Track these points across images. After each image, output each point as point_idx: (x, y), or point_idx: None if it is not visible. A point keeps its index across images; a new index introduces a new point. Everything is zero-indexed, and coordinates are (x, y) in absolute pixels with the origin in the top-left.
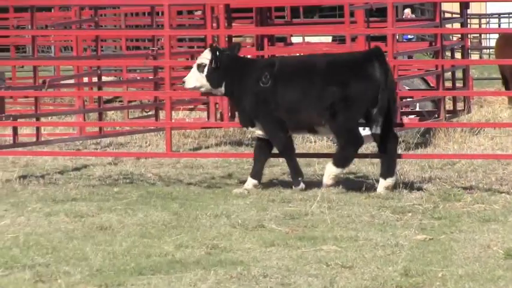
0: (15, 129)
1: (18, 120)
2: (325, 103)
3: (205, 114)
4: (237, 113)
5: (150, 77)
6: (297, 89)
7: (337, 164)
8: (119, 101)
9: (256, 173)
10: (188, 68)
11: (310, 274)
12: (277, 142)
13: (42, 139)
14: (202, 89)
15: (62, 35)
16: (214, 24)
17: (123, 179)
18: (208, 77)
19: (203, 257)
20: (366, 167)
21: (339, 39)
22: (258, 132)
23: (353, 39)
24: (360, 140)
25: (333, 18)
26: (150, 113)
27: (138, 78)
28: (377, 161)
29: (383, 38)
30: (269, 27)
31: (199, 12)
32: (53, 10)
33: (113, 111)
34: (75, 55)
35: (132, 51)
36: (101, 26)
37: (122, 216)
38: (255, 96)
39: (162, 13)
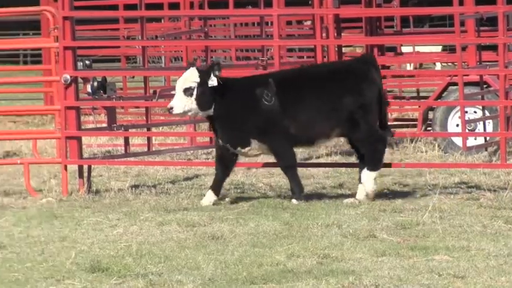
0: (126, 140)
1: (130, 130)
2: (343, 113)
3: None
4: (220, 134)
5: None
6: (309, 102)
7: (373, 168)
8: None
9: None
10: None
11: (422, 284)
12: (285, 158)
13: (154, 149)
14: (190, 113)
15: (172, 46)
16: (324, 34)
17: (234, 188)
18: (198, 101)
19: (314, 267)
20: (478, 177)
21: (449, 49)
22: (252, 152)
23: (463, 49)
24: (383, 137)
25: (443, 27)
26: None
27: None
28: (489, 170)
29: (494, 48)
30: (379, 37)
31: (308, 22)
32: (163, 21)
33: None
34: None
35: (242, 62)
36: (211, 36)
37: (233, 226)
38: (259, 114)
39: (272, 23)
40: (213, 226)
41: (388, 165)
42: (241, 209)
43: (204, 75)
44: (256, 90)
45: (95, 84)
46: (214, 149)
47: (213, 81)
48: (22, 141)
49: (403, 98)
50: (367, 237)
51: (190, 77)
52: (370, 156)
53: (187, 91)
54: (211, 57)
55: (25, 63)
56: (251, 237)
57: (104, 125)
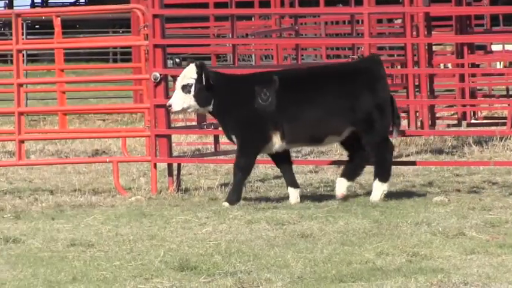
0: (216, 138)
1: (219, 128)
2: (360, 113)
3: (405, 122)
4: (222, 129)
5: None
6: (312, 104)
7: (384, 179)
8: None
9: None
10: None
11: (511, 282)
12: (244, 159)
13: None
14: (189, 110)
15: (262, 44)
16: (414, 33)
17: (324, 186)
18: (197, 97)
19: (404, 265)
20: None
21: None
22: None
23: None
24: (392, 147)
25: None
26: None
27: None
28: None
29: None
30: (469, 35)
31: (399, 21)
32: (253, 19)
33: None
34: (275, 63)
35: (333, 60)
36: (301, 35)
37: (322, 224)
38: (248, 112)
39: (362, 21)
40: (302, 224)
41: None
42: (330, 207)
43: (203, 71)
44: (254, 88)
45: None
46: (304, 147)
47: (191, 80)
48: (111, 140)
49: (493, 96)
50: (456, 235)
51: (189, 74)
52: (379, 167)
53: (186, 88)
54: (302, 55)
55: (115, 61)
56: (340, 235)
57: (194, 123)
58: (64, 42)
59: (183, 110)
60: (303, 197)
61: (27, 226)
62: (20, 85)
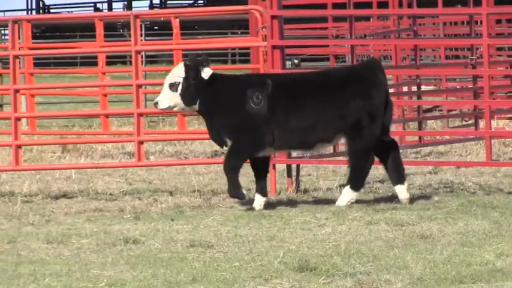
0: None
1: None
2: (350, 119)
3: None
4: (208, 130)
5: (469, 86)
6: (305, 110)
7: (356, 187)
8: (439, 110)
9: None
10: (508, 77)
11: None
12: (235, 159)
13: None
14: (176, 108)
15: (380, 44)
16: None
17: (443, 187)
18: (183, 95)
19: None
20: None
21: None
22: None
23: None
24: (372, 159)
25: None
26: (469, 122)
27: (458, 87)
28: None
29: None
30: None
31: None
32: (371, 19)
33: (432, 121)
34: (394, 64)
35: (451, 61)
36: (420, 35)
37: (442, 225)
38: (240, 115)
39: (481, 22)
40: (421, 225)
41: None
42: (450, 208)
43: (190, 70)
44: (246, 91)
45: None
46: (423, 148)
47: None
48: None
49: None
50: None
51: (177, 72)
52: (354, 174)
53: (173, 86)
54: (420, 56)
55: (233, 62)
56: (460, 237)
57: None
58: (182, 43)
59: (170, 108)
60: (422, 197)
61: (147, 227)
62: (139, 86)
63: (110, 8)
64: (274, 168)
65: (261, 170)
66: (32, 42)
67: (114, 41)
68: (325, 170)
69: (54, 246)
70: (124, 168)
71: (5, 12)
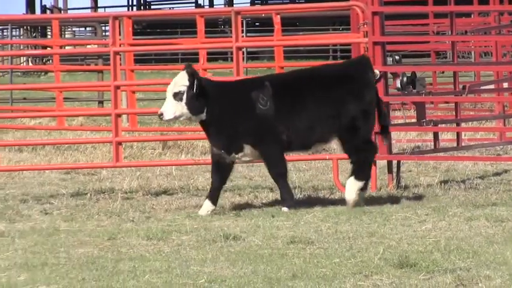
0: (435, 135)
1: (439, 125)
2: (345, 117)
3: None
4: (213, 140)
5: None
6: (310, 107)
7: (360, 177)
8: None
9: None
10: None
11: None
12: (277, 166)
13: (463, 144)
14: (182, 118)
15: (481, 41)
16: None
17: None
18: (189, 105)
19: None
20: None
21: None
22: (245, 158)
23: None
24: (375, 148)
25: None
26: None
27: None
28: None
29: None
30: None
31: None
32: (472, 16)
33: None
34: (494, 60)
35: None
36: None
37: None
38: (253, 118)
39: None
40: None
41: None
42: None
43: (194, 78)
44: (251, 94)
45: (405, 79)
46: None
47: (183, 88)
48: None
49: None
50: None
51: (180, 81)
52: (359, 166)
53: (177, 95)
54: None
55: (335, 58)
56: None
57: (413, 120)
58: (284, 39)
59: (175, 119)
60: None
61: (247, 223)
62: None
63: (211, 4)
64: (375, 164)
65: (223, 178)
66: (133, 39)
67: (215, 38)
68: (426, 166)
69: (154, 243)
70: None
71: (106, 9)
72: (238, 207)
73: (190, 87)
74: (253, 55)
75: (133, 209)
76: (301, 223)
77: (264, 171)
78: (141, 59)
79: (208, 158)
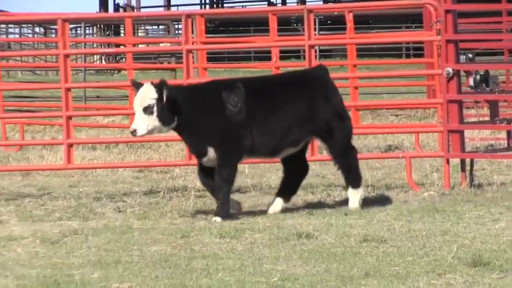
0: (509, 133)
1: None
2: (321, 121)
3: None
4: (185, 143)
5: None
6: (283, 110)
7: (356, 185)
8: None
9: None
10: None
11: None
12: (226, 171)
13: None
14: (154, 132)
15: None
16: None
17: None
18: (160, 117)
19: None
20: None
21: None
22: (209, 163)
23: None
24: (355, 152)
25: None
26: None
27: None
28: None
29: None
30: None
31: None
32: None
33: None
34: None
35: None
36: None
37: None
38: (220, 120)
39: None
40: None
41: None
42: None
43: (161, 89)
44: (221, 95)
45: (478, 77)
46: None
47: (152, 101)
48: (404, 135)
49: None
50: None
51: (148, 94)
52: (349, 174)
53: (147, 109)
54: None
55: (407, 56)
56: None
57: (487, 118)
58: (356, 37)
59: (149, 133)
60: None
61: (320, 222)
62: None
63: (284, 3)
64: (448, 163)
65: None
66: (206, 37)
67: (288, 36)
68: (499, 164)
69: (227, 241)
70: None
71: (179, 7)
72: (311, 206)
73: (159, 99)
74: (325, 53)
75: (206, 207)
76: (374, 221)
77: (335, 169)
78: (214, 57)
79: None
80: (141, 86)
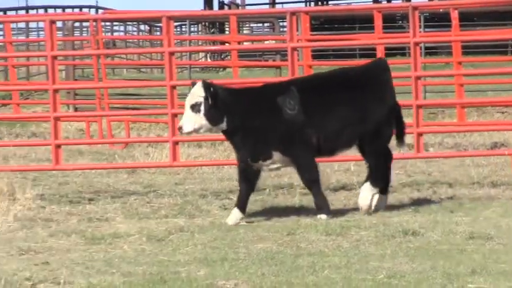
0: None
1: None
2: (372, 122)
3: None
4: (238, 149)
5: None
6: (338, 109)
7: (375, 183)
8: None
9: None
10: None
11: None
12: (310, 172)
13: None
14: (201, 130)
15: None
16: None
17: None
18: (207, 116)
19: None
20: None
21: None
22: (272, 166)
23: None
24: (390, 154)
25: None
26: None
27: None
28: None
29: None
30: None
31: None
32: None
33: None
34: None
35: None
36: None
37: None
38: (281, 124)
39: None
40: None
41: None
42: None
43: (210, 88)
44: (276, 99)
45: None
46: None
47: (200, 99)
48: (510, 132)
49: None
50: None
51: (197, 92)
52: (374, 171)
53: (195, 107)
54: None
55: None
56: None
57: None
58: (461, 34)
59: (195, 131)
60: None
61: (426, 219)
62: (418, 78)
63: (389, 0)
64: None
65: (251, 185)
66: (311, 34)
67: (393, 33)
68: None
69: (333, 238)
70: (403, 160)
71: (284, 4)
72: (417, 203)
73: (206, 98)
74: (431, 50)
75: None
76: (480, 219)
77: (442, 167)
78: (319, 55)
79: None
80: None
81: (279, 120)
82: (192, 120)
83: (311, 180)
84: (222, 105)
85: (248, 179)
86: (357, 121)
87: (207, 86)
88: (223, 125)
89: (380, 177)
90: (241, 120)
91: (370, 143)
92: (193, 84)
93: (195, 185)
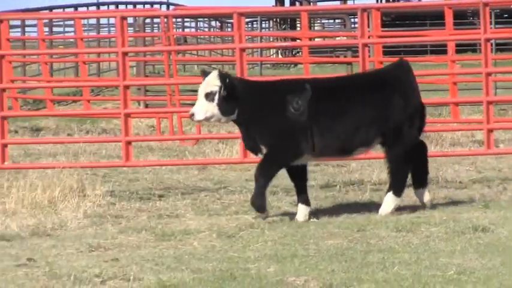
0: None
1: None
2: (392, 124)
3: None
4: (243, 139)
5: None
6: (350, 111)
7: (397, 192)
8: None
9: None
10: None
11: None
12: (269, 167)
13: None
14: (212, 119)
15: None
16: None
17: None
18: (220, 106)
19: None
20: None
21: None
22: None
23: None
24: (412, 159)
25: None
26: None
27: None
28: None
29: None
30: None
31: None
32: None
33: None
34: None
35: None
36: None
37: None
38: (278, 122)
39: None
40: None
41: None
42: None
43: (226, 79)
44: (285, 95)
45: None
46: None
47: (215, 88)
48: None
49: None
50: None
51: (212, 81)
52: (395, 176)
53: (209, 96)
54: None
55: None
56: None
57: None
58: None
59: (206, 119)
60: None
61: (496, 215)
62: (489, 74)
63: None
64: None
65: (301, 180)
66: (382, 31)
67: (464, 29)
68: None
69: (403, 235)
70: (473, 156)
71: (355, 1)
72: (487, 199)
73: (221, 88)
74: (502, 47)
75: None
76: None
77: None
78: (391, 51)
79: (456, 149)
80: (209, 74)
81: (279, 117)
82: (205, 109)
83: (263, 173)
84: (236, 96)
85: (294, 174)
86: (372, 123)
87: (223, 77)
88: (234, 116)
89: (401, 183)
90: (248, 112)
91: (391, 146)
92: (205, 73)
93: None
